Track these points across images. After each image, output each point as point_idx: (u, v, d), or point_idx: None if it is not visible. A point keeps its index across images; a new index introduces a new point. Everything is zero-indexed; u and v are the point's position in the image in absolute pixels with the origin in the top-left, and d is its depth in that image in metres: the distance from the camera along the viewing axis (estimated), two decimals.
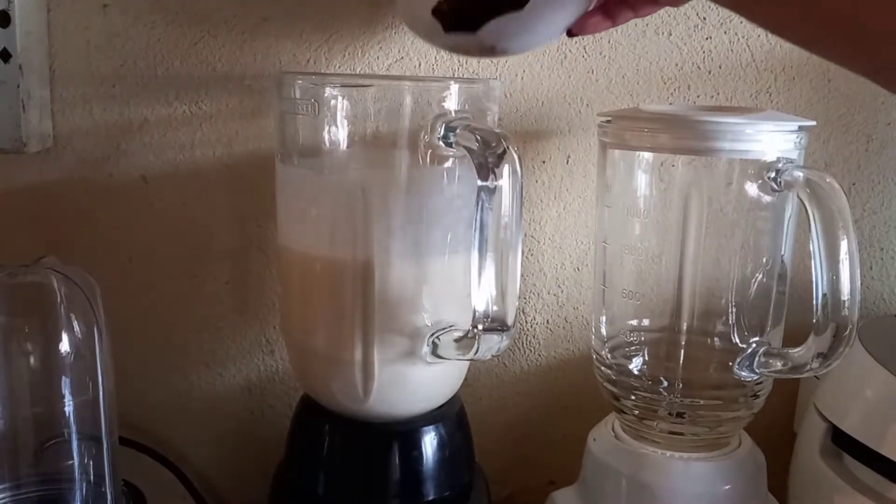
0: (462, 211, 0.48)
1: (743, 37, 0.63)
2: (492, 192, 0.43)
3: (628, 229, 0.54)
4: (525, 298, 0.66)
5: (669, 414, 0.53)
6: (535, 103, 0.63)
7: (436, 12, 0.43)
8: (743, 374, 0.51)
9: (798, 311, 0.54)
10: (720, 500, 0.52)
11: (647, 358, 0.54)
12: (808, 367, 0.48)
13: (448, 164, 0.48)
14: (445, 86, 0.48)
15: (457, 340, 0.48)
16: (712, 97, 0.63)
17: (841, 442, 0.54)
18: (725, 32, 0.62)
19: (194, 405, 0.66)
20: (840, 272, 0.45)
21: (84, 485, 0.50)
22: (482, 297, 0.45)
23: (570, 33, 0.46)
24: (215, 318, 0.64)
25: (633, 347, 0.55)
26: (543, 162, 0.64)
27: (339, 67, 0.60)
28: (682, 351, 0.54)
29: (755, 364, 0.51)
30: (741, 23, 0.62)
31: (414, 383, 0.51)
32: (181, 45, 0.59)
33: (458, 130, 0.45)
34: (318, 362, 0.51)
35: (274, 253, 0.63)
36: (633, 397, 0.54)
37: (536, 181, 0.64)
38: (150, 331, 0.64)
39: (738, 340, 0.52)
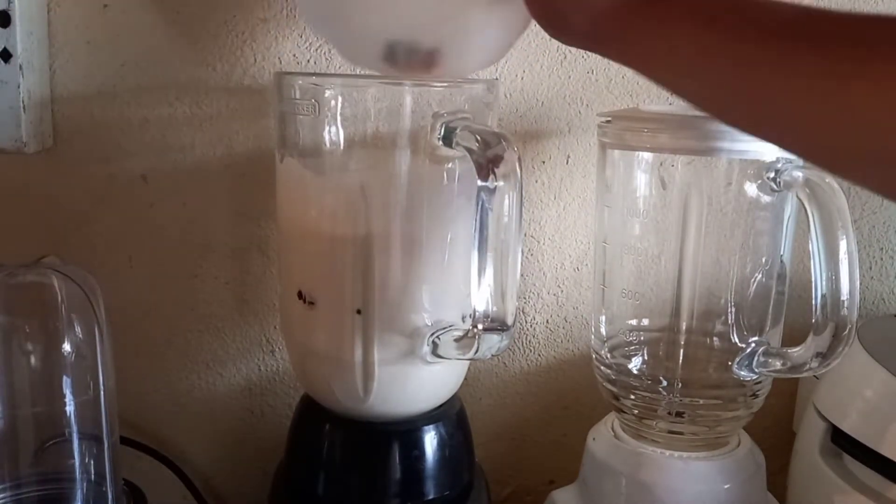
0: (462, 211, 0.49)
1: None
2: (492, 192, 0.43)
3: (628, 229, 0.54)
4: (525, 298, 0.66)
5: (669, 413, 0.53)
6: (535, 103, 0.63)
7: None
8: (742, 373, 0.51)
9: (797, 311, 0.54)
10: (720, 499, 0.52)
11: (646, 357, 0.54)
12: (808, 366, 0.48)
13: (448, 164, 0.48)
14: (446, 86, 0.48)
15: (457, 340, 0.48)
16: None
17: (840, 442, 0.54)
18: None
19: (194, 405, 0.66)
20: (839, 272, 0.45)
21: (85, 484, 0.50)
22: (482, 296, 0.45)
23: None
24: (215, 318, 0.64)
25: (633, 347, 0.55)
26: (543, 162, 0.64)
27: (340, 67, 0.60)
28: (682, 350, 0.54)
29: (754, 364, 0.51)
30: None
31: (414, 383, 0.51)
32: (181, 45, 0.59)
33: (458, 130, 0.45)
34: (318, 362, 0.51)
35: (274, 253, 0.63)
36: (632, 397, 0.54)
37: (536, 181, 0.64)
38: (150, 331, 0.64)
39: (737, 340, 0.52)
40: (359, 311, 0.48)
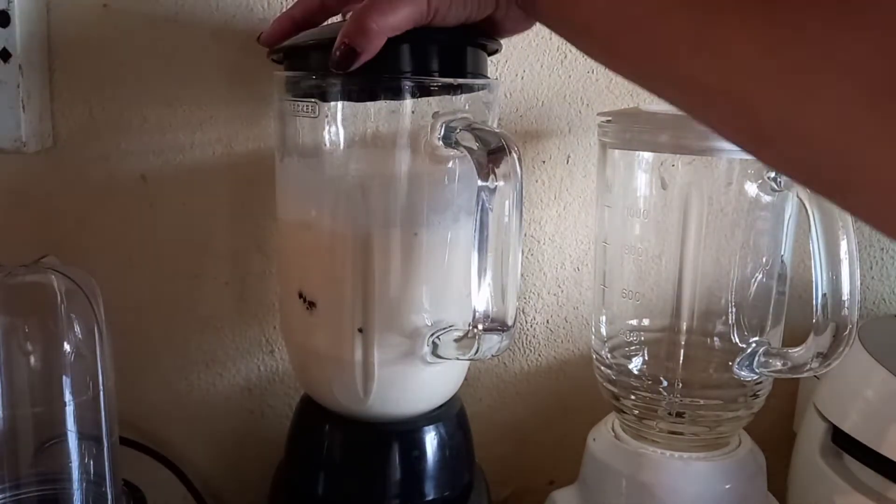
0: (462, 211, 0.48)
1: None
2: (492, 192, 0.43)
3: (628, 229, 0.54)
4: (525, 298, 0.66)
5: (669, 414, 0.53)
6: (535, 103, 0.63)
7: None
8: (743, 373, 0.51)
9: (798, 311, 0.54)
10: (720, 499, 0.52)
11: (646, 358, 0.54)
12: (808, 366, 0.48)
13: (448, 164, 0.48)
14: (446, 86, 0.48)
15: (457, 340, 0.48)
16: None
17: (841, 442, 0.54)
18: None
19: (194, 405, 0.66)
20: (840, 272, 0.45)
21: (84, 485, 0.50)
22: (482, 296, 0.45)
23: None
24: (215, 318, 0.64)
25: (633, 347, 0.55)
26: (543, 162, 0.64)
27: None
28: (682, 351, 0.54)
29: (755, 364, 0.51)
30: None
31: (414, 383, 0.51)
32: (181, 45, 0.59)
33: (458, 130, 0.45)
34: (318, 362, 0.51)
35: (274, 253, 0.63)
36: (632, 397, 0.54)
37: (536, 181, 0.64)
38: (150, 331, 0.64)
39: (737, 340, 0.52)
40: (359, 315, 0.48)
